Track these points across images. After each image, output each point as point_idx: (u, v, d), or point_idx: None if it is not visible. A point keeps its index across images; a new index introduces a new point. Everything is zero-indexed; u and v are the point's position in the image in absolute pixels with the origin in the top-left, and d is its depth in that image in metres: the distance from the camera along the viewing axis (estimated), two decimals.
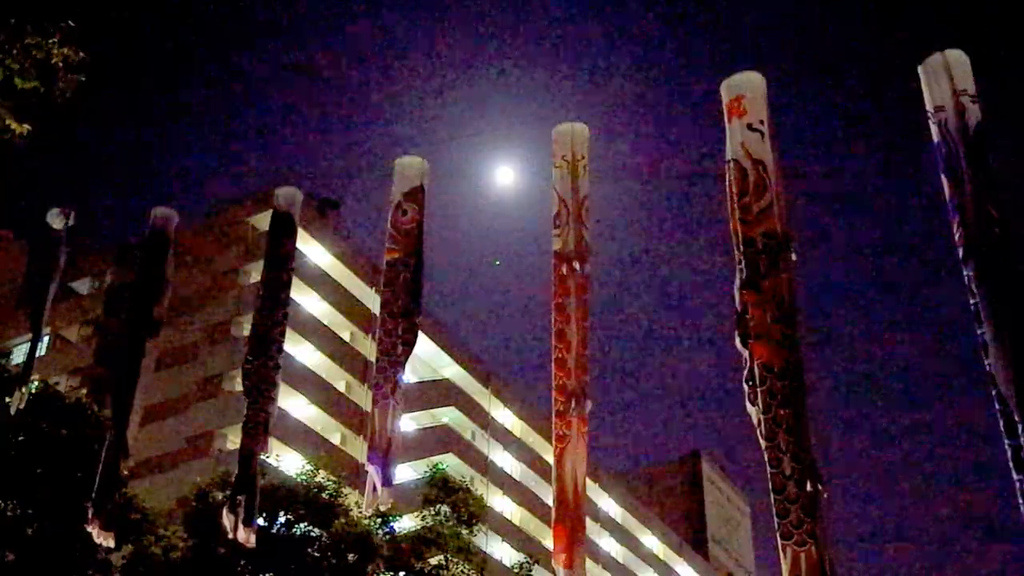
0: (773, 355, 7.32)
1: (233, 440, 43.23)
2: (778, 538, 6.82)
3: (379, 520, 28.94)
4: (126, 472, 10.48)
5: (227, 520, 9.79)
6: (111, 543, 10.37)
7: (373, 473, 9.09)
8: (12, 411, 12.34)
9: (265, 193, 46.68)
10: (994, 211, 7.28)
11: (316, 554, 26.97)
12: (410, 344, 9.59)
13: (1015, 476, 6.57)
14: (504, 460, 59.84)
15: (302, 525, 27.37)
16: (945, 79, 7.89)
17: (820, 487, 6.88)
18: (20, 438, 23.13)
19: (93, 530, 10.16)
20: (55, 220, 11.93)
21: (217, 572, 25.34)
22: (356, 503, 27.41)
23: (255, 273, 46.71)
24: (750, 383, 7.37)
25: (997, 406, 6.75)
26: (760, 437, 7.17)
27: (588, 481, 8.49)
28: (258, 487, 10.00)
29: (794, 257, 7.78)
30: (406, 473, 42.90)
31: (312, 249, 50.10)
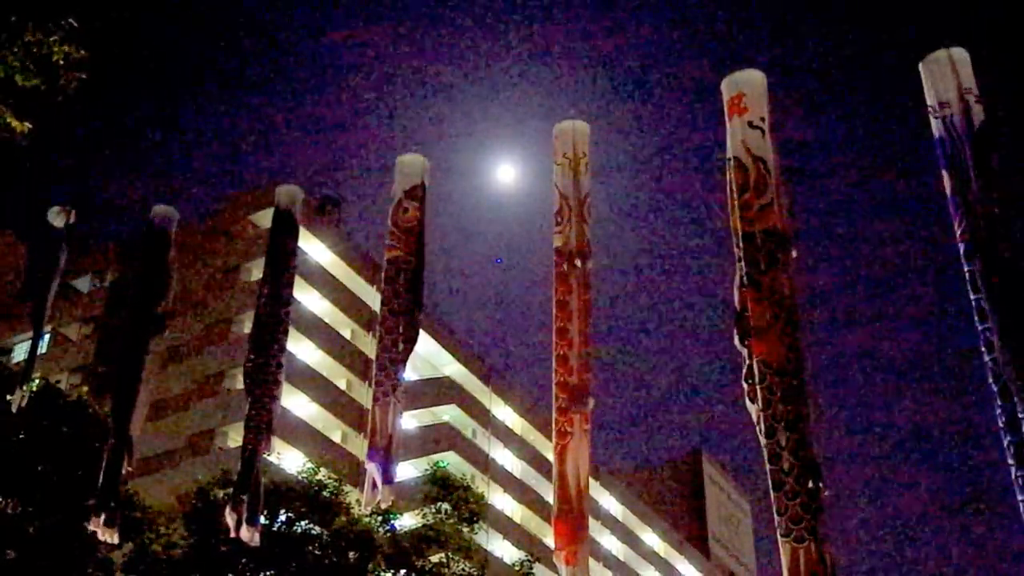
0: (773, 352, 7.33)
1: (234, 438, 43.29)
2: (778, 535, 6.83)
3: (380, 518, 28.98)
4: (130, 468, 10.46)
5: (230, 519, 9.80)
6: (115, 539, 10.38)
7: (373, 471, 9.10)
8: (13, 409, 12.35)
9: (266, 191, 46.78)
10: (999, 209, 7.30)
11: (317, 552, 27.01)
12: (411, 342, 9.60)
13: (1015, 472, 6.58)
14: (505, 458, 59.86)
15: (303, 523, 27.42)
16: (950, 76, 7.91)
17: (820, 484, 6.89)
18: (21, 436, 23.16)
19: (96, 527, 10.17)
20: (56, 218, 11.94)
21: (218, 570, 25.39)
22: (357, 501, 27.43)
23: (256, 271, 46.74)
24: (749, 381, 7.39)
25: (999, 402, 6.76)
26: (760, 434, 7.19)
27: (589, 479, 8.49)
28: (261, 486, 10.00)
29: (794, 254, 7.80)
30: (407, 471, 42.96)
31: (313, 247, 50.13)
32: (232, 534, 9.91)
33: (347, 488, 30.35)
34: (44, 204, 12.08)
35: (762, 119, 8.30)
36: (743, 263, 7.76)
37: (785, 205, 7.97)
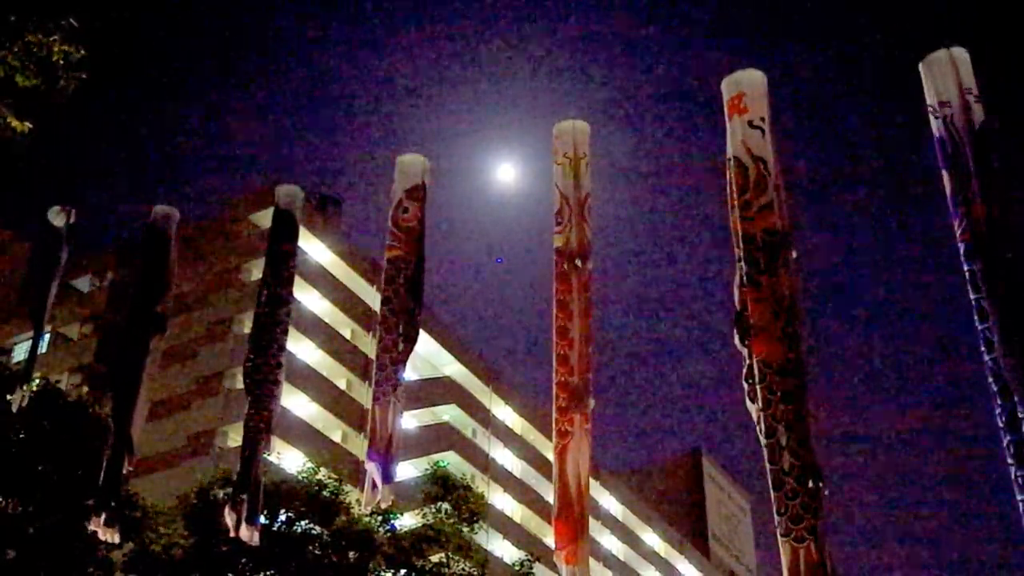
0: (773, 351, 7.34)
1: (234, 438, 43.29)
2: (778, 535, 6.83)
3: (380, 518, 28.97)
4: (130, 468, 10.48)
5: (229, 518, 9.81)
6: (116, 539, 10.38)
7: (373, 470, 9.11)
8: (14, 409, 12.38)
9: (266, 191, 46.75)
10: (999, 209, 7.31)
11: (317, 552, 27.01)
12: (411, 342, 9.60)
13: (1015, 472, 6.58)
14: (505, 457, 59.87)
15: (303, 523, 27.41)
16: (951, 75, 7.93)
17: (820, 484, 6.90)
18: (21, 436, 23.16)
19: (97, 527, 10.17)
20: (56, 218, 11.95)
21: (218, 570, 25.38)
22: (357, 500, 27.42)
23: (256, 271, 46.74)
24: (750, 381, 7.39)
25: (999, 401, 6.76)
26: (760, 434, 7.19)
27: (589, 478, 8.49)
28: (261, 486, 10.01)
29: (794, 254, 7.80)
30: (407, 471, 42.91)
31: (313, 247, 50.14)
32: (232, 533, 9.92)
33: (347, 488, 30.34)
34: (44, 204, 12.09)
35: (762, 119, 8.31)
36: (743, 263, 7.77)
37: (785, 205, 7.98)
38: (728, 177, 8.21)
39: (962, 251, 7.30)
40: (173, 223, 11.63)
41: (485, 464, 56.39)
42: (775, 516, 6.87)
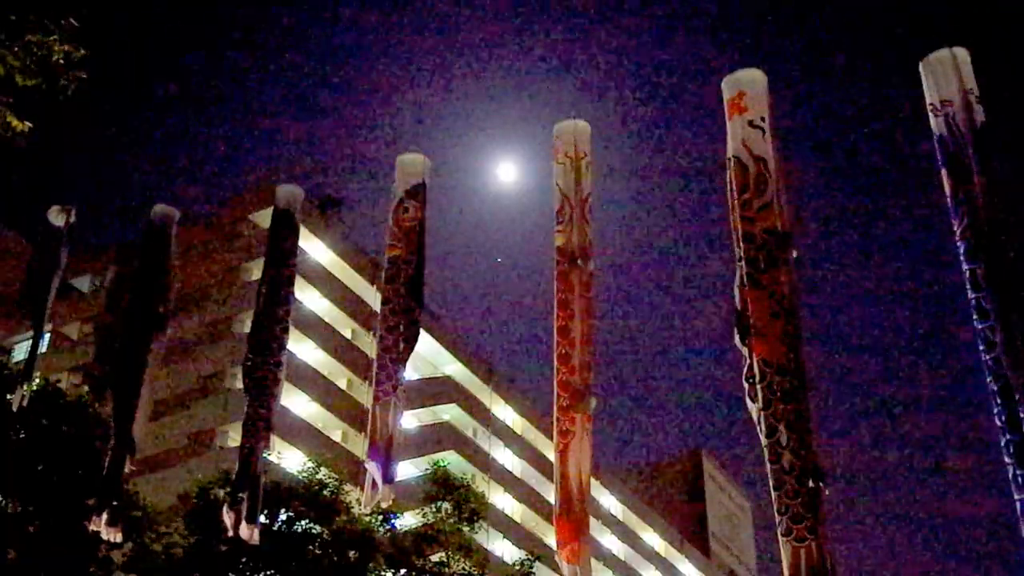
0: (773, 351, 7.34)
1: (234, 437, 43.24)
2: (779, 534, 6.83)
3: (380, 517, 28.97)
4: (132, 468, 10.49)
5: (227, 518, 9.82)
6: (118, 538, 10.39)
7: (373, 470, 9.12)
8: (14, 408, 12.39)
9: (266, 191, 46.75)
10: (1000, 209, 7.31)
11: (317, 551, 27.00)
12: (411, 341, 9.62)
13: (1014, 471, 6.57)
14: (505, 457, 59.88)
15: (303, 522, 27.40)
16: (952, 75, 7.93)
17: (820, 483, 6.90)
18: (22, 435, 23.16)
19: (98, 527, 10.18)
20: (56, 218, 11.97)
21: (218, 569, 25.37)
22: (357, 500, 27.40)
23: (256, 270, 46.72)
24: (750, 380, 7.39)
25: (998, 400, 6.75)
26: (760, 434, 7.19)
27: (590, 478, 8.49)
28: (261, 484, 10.01)
29: (794, 253, 7.81)
30: (408, 470, 42.92)
31: (314, 246, 50.12)
32: (230, 533, 9.93)
33: (347, 487, 30.33)
34: (44, 203, 12.11)
35: (762, 119, 8.32)
36: (743, 262, 7.78)
37: (785, 204, 7.98)
38: (728, 177, 8.22)
39: (962, 251, 7.30)
40: (173, 223, 11.65)
41: (485, 463, 56.38)
42: (776, 516, 6.87)
